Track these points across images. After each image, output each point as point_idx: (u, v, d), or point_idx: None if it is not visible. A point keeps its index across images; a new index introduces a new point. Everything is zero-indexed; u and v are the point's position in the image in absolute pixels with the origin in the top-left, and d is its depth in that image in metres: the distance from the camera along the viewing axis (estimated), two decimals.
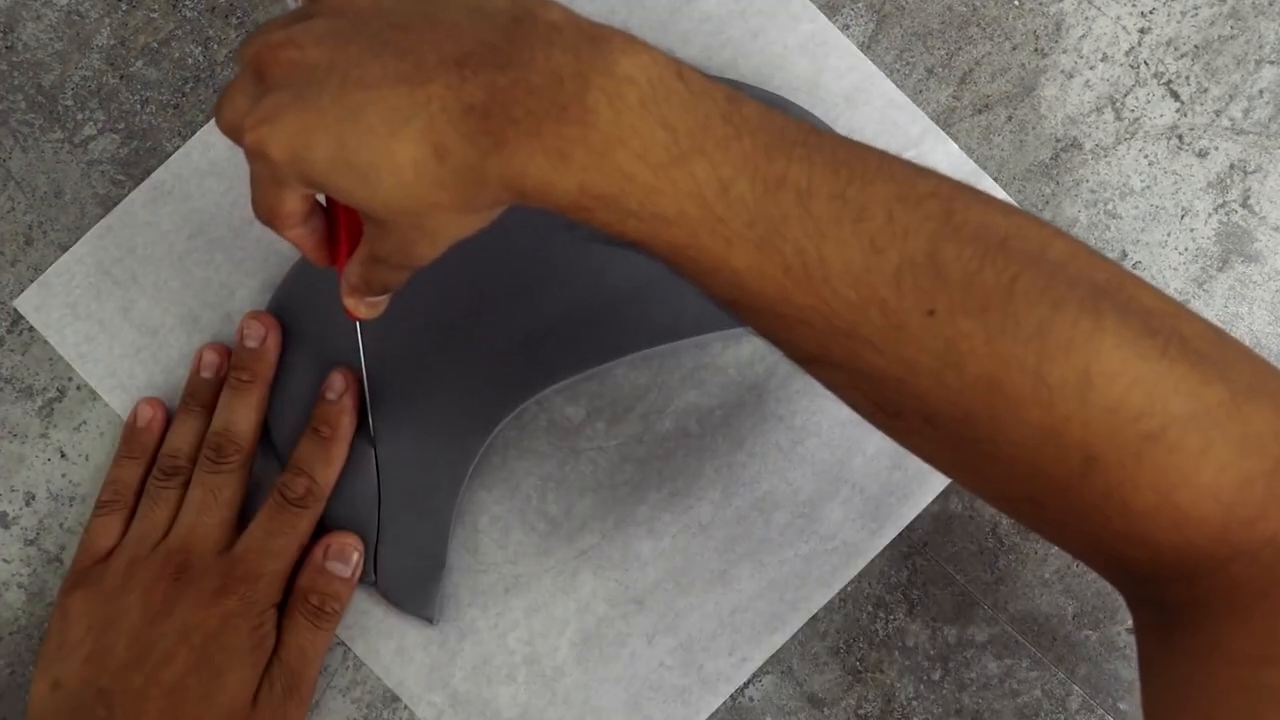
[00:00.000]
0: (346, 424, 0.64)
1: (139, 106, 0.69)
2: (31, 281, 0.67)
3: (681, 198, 0.45)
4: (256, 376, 0.64)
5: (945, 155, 0.68)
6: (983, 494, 0.51)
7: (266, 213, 0.51)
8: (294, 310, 0.66)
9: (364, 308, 0.55)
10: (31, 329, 0.67)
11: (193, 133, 0.68)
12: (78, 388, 0.67)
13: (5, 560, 0.66)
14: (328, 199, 0.54)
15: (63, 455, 0.67)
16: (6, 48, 0.69)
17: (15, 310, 0.67)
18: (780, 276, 0.46)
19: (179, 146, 0.68)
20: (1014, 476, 0.48)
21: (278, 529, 0.63)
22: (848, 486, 0.66)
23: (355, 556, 0.64)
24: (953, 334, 0.46)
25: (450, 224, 0.48)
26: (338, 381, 0.64)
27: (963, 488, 0.54)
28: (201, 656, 0.59)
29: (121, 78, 0.69)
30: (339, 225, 0.54)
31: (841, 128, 0.67)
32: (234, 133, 0.48)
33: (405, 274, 0.52)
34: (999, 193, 0.68)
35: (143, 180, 0.68)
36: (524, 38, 0.45)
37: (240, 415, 0.64)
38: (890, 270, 0.46)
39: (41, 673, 0.62)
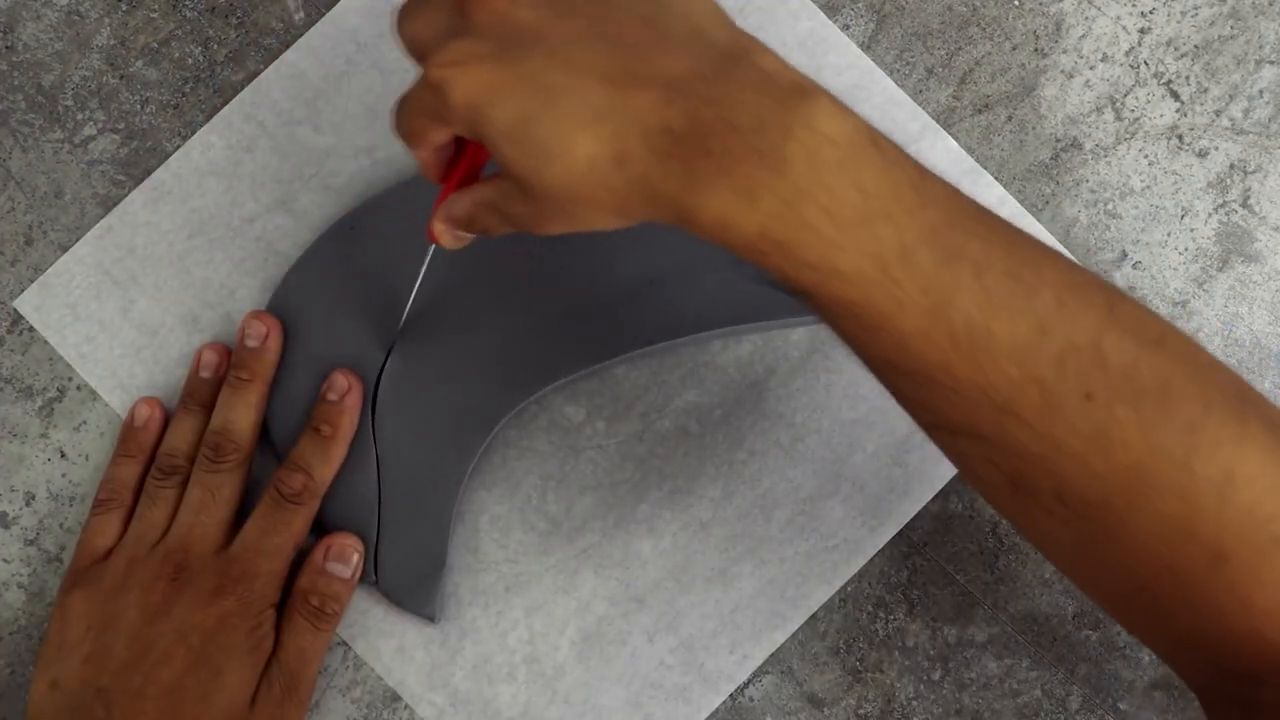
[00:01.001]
0: (347, 424, 0.64)
1: (139, 106, 0.69)
2: (31, 282, 0.67)
3: (862, 256, 0.46)
4: (255, 375, 0.64)
5: (945, 152, 0.68)
6: (1093, 583, 0.53)
7: (409, 134, 0.52)
8: (295, 310, 0.66)
9: (451, 238, 0.55)
10: (31, 329, 0.67)
11: (193, 133, 0.68)
12: (78, 388, 0.67)
13: (5, 560, 0.66)
14: (458, 144, 0.54)
15: (63, 455, 0.67)
16: (6, 48, 0.69)
17: (15, 310, 0.67)
18: (945, 344, 0.47)
19: (179, 146, 0.68)
20: (1136, 566, 0.49)
21: (273, 526, 0.62)
22: (848, 484, 0.66)
23: (355, 557, 0.64)
24: (1107, 419, 0.48)
25: (592, 219, 0.49)
26: (340, 382, 0.64)
27: (1069, 577, 0.55)
28: (199, 657, 0.59)
29: (121, 78, 0.69)
30: (463, 157, 0.54)
31: None
32: (417, 52, 0.50)
33: (510, 230, 0.53)
34: (1000, 191, 0.68)
35: (143, 180, 0.68)
36: (736, 76, 0.46)
37: (239, 414, 0.64)
38: (1054, 351, 0.47)
39: (40, 672, 0.62)
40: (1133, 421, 0.48)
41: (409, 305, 0.64)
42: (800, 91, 0.46)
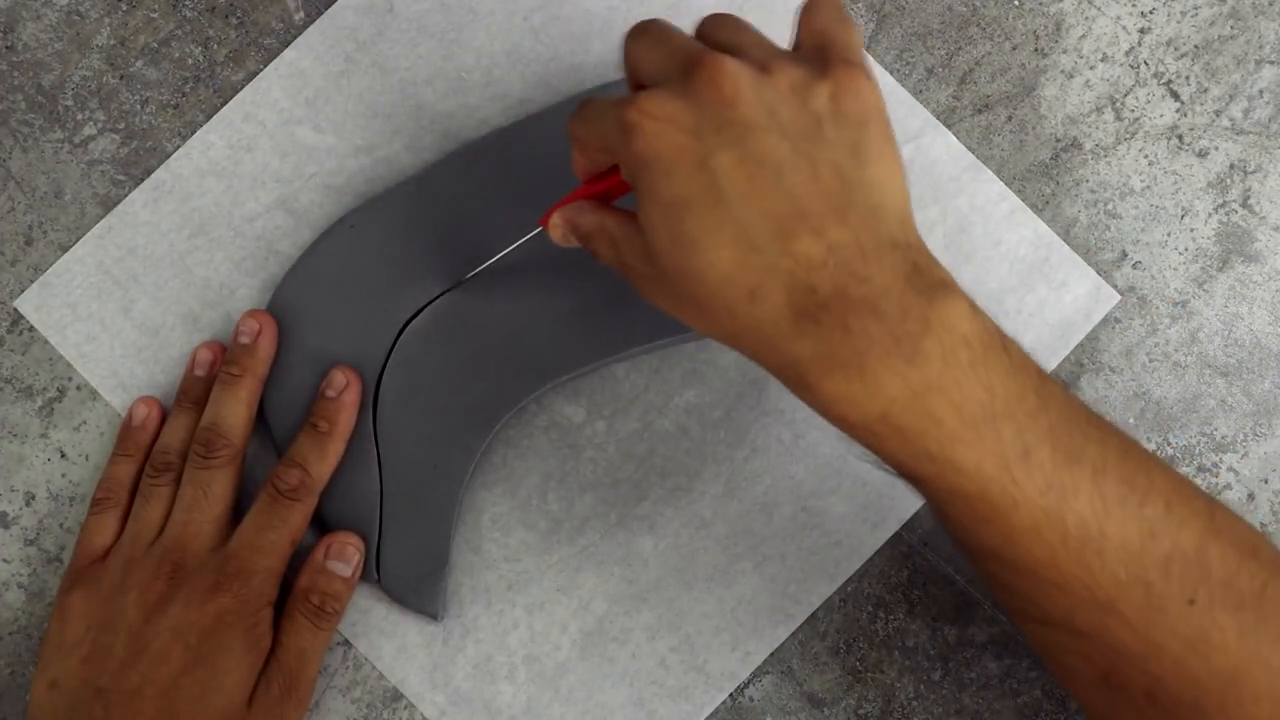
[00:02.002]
0: (344, 421, 0.64)
1: (139, 106, 0.69)
2: (31, 281, 0.67)
3: (984, 453, 0.48)
4: (247, 371, 0.64)
5: (945, 149, 0.68)
6: None
7: (578, 137, 0.53)
8: (295, 309, 0.66)
9: (561, 234, 0.56)
10: (31, 329, 0.67)
11: (193, 133, 0.68)
12: (78, 388, 0.67)
13: (5, 560, 0.66)
14: (616, 169, 0.55)
15: (63, 455, 0.67)
16: (6, 48, 0.69)
17: (15, 310, 0.67)
18: (1056, 542, 0.49)
19: (179, 146, 0.68)
20: None
21: (269, 523, 0.62)
22: (850, 480, 0.66)
23: (356, 556, 0.64)
24: (1207, 624, 0.50)
25: (692, 321, 0.51)
26: (338, 379, 0.64)
27: None
28: (196, 655, 0.59)
29: (121, 78, 0.69)
30: (612, 181, 0.55)
31: None
32: (631, 77, 0.52)
33: (612, 266, 0.54)
34: (1000, 187, 0.68)
35: (143, 180, 0.68)
36: (891, 262, 0.47)
37: (229, 410, 0.64)
38: (1161, 556, 0.50)
39: (40, 672, 0.62)
40: (1232, 627, 0.50)
41: (487, 262, 0.65)
42: (945, 290, 0.48)
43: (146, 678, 0.59)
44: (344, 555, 0.63)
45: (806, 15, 0.51)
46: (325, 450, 0.64)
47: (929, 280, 0.48)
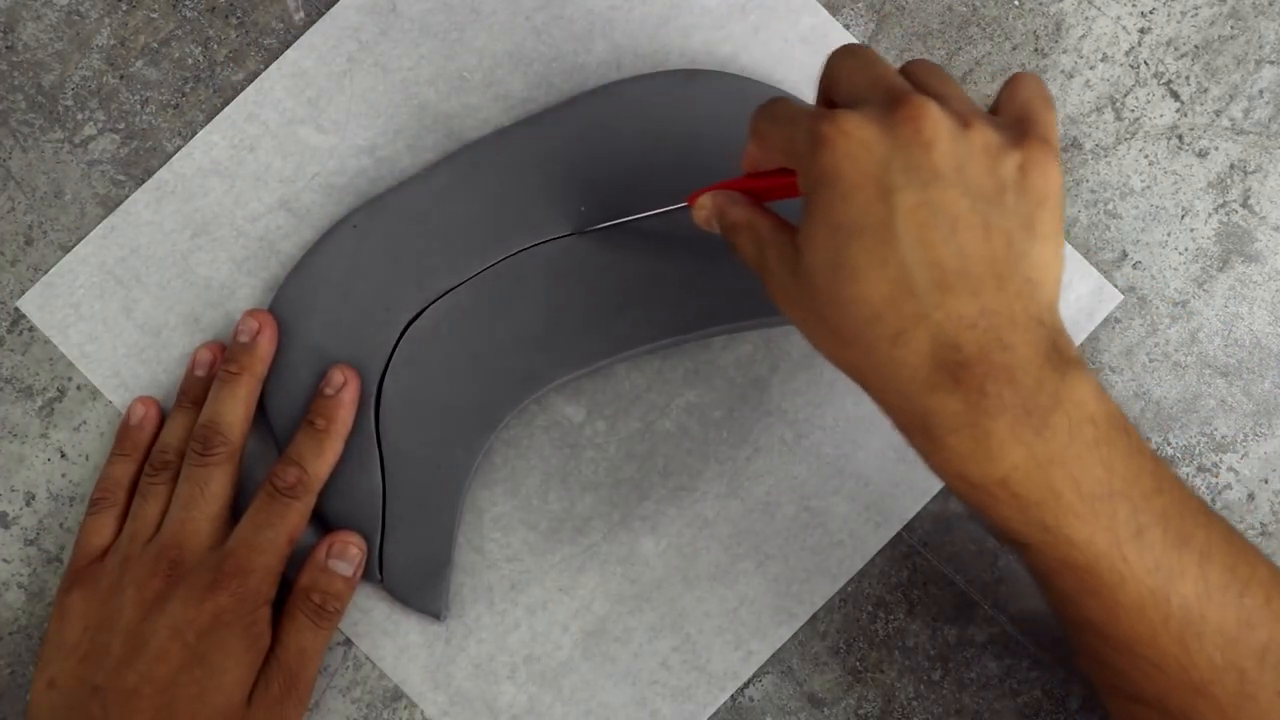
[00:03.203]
0: (342, 418, 0.64)
1: (139, 106, 0.69)
2: (32, 281, 0.67)
3: (1098, 528, 0.49)
4: (245, 369, 0.64)
5: None
6: None
7: (760, 133, 0.54)
8: (298, 309, 0.66)
9: (704, 217, 0.57)
10: (32, 329, 0.67)
11: (193, 133, 0.68)
12: (78, 387, 0.67)
13: (5, 560, 0.66)
14: (784, 172, 0.55)
15: (63, 455, 0.67)
16: (6, 48, 0.69)
17: (15, 310, 0.67)
18: (1158, 622, 0.50)
19: (179, 146, 0.68)
20: None
21: (267, 521, 0.62)
22: (852, 480, 0.66)
23: (358, 555, 0.64)
24: None
25: (822, 344, 0.52)
26: (336, 377, 0.64)
27: None
28: (194, 654, 0.59)
29: (121, 78, 0.69)
30: (775, 183, 0.56)
31: None
32: (828, 90, 0.53)
33: (750, 265, 0.54)
34: None
35: (143, 180, 0.68)
36: (1033, 335, 0.49)
37: (227, 407, 0.64)
38: (1258, 646, 0.51)
39: (39, 672, 0.62)
40: None
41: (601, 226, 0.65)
42: (1077, 369, 0.49)
43: (144, 676, 0.59)
44: (346, 555, 0.63)
45: (1013, 86, 0.52)
46: (323, 448, 0.64)
47: (1065, 358, 0.49)
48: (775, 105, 0.53)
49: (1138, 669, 0.52)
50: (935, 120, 0.48)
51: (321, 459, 0.63)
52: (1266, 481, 0.67)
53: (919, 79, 0.52)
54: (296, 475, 0.63)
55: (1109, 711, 0.56)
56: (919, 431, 0.50)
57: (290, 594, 0.63)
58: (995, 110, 0.52)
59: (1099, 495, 0.49)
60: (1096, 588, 0.50)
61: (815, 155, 0.49)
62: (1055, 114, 0.52)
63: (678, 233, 0.66)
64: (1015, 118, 0.51)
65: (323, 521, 0.65)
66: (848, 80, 0.51)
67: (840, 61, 0.52)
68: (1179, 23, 0.69)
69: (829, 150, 0.48)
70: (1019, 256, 0.49)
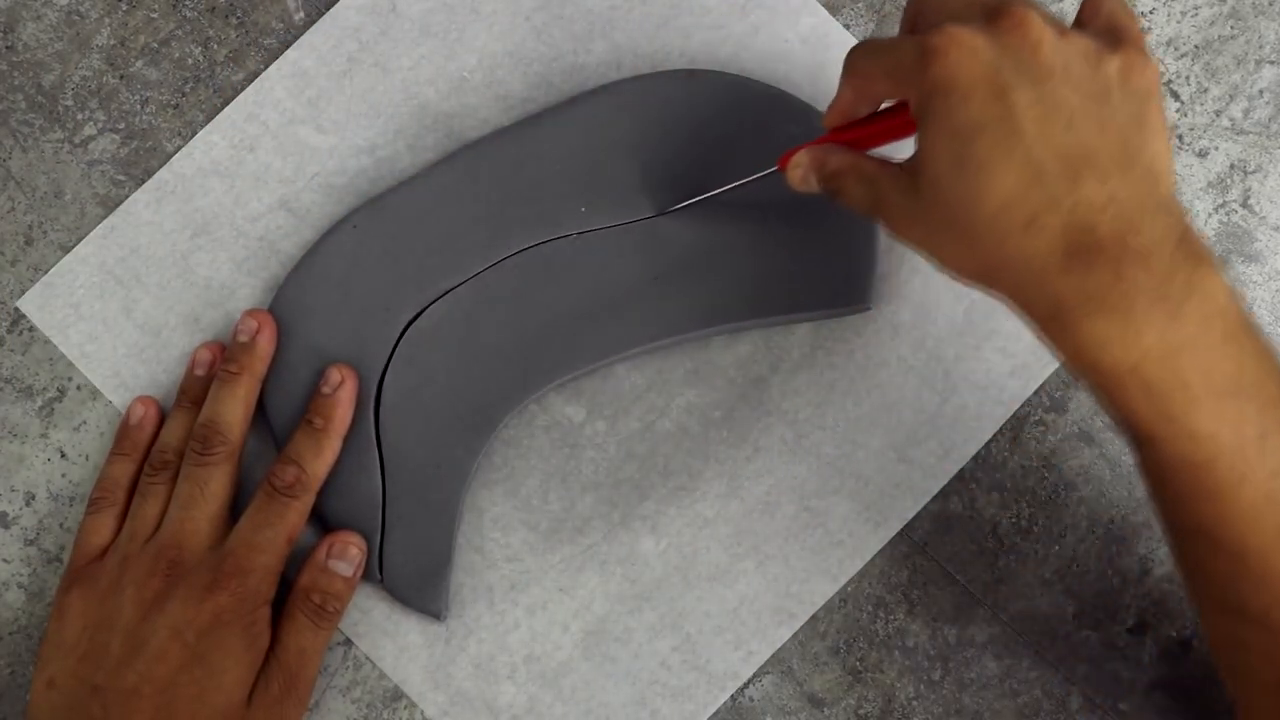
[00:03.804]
0: (340, 417, 0.64)
1: (139, 106, 0.69)
2: (32, 281, 0.67)
3: (1223, 424, 0.49)
4: (244, 369, 0.64)
5: None
6: None
7: (858, 72, 0.55)
8: (298, 309, 0.66)
9: (800, 176, 0.58)
10: (32, 328, 0.67)
11: (193, 133, 0.68)
12: (78, 387, 0.67)
13: (5, 560, 0.66)
14: (891, 112, 0.57)
15: (63, 455, 0.67)
16: (6, 48, 0.69)
17: (15, 310, 0.67)
18: (1271, 529, 0.50)
19: (179, 147, 0.68)
20: None
21: (266, 520, 0.62)
22: (853, 480, 0.66)
23: (358, 556, 0.64)
24: None
25: (951, 256, 0.52)
26: (334, 375, 0.64)
27: None
28: (194, 654, 0.59)
29: (121, 78, 0.69)
30: (865, 126, 0.57)
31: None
32: (930, 12, 0.53)
33: (859, 210, 0.55)
34: None
35: (143, 180, 0.68)
36: (1166, 222, 0.49)
37: (226, 407, 0.64)
38: None
39: (39, 671, 0.62)
40: None
41: (686, 203, 0.66)
42: (1209, 263, 0.49)
43: (144, 676, 0.59)
44: (346, 555, 0.63)
45: (1095, 2, 0.53)
46: (321, 447, 0.64)
47: (1196, 249, 0.49)
48: (869, 42, 0.54)
49: (1247, 580, 0.51)
50: (1039, 25, 0.49)
51: (320, 458, 0.63)
52: None
53: None
54: (295, 474, 0.63)
55: (1207, 631, 0.56)
56: (1052, 320, 0.50)
57: (290, 594, 0.63)
58: (1080, 25, 0.53)
59: (1227, 391, 0.49)
60: (1213, 489, 0.50)
61: (927, 68, 0.49)
62: (1138, 23, 0.53)
63: (678, 233, 0.66)
64: (1104, 28, 0.52)
65: (323, 521, 0.65)
66: (938, 3, 0.52)
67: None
68: (1179, 23, 0.69)
69: (940, 60, 0.49)
70: (1136, 149, 0.49)
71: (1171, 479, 0.51)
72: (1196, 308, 0.48)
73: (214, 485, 0.63)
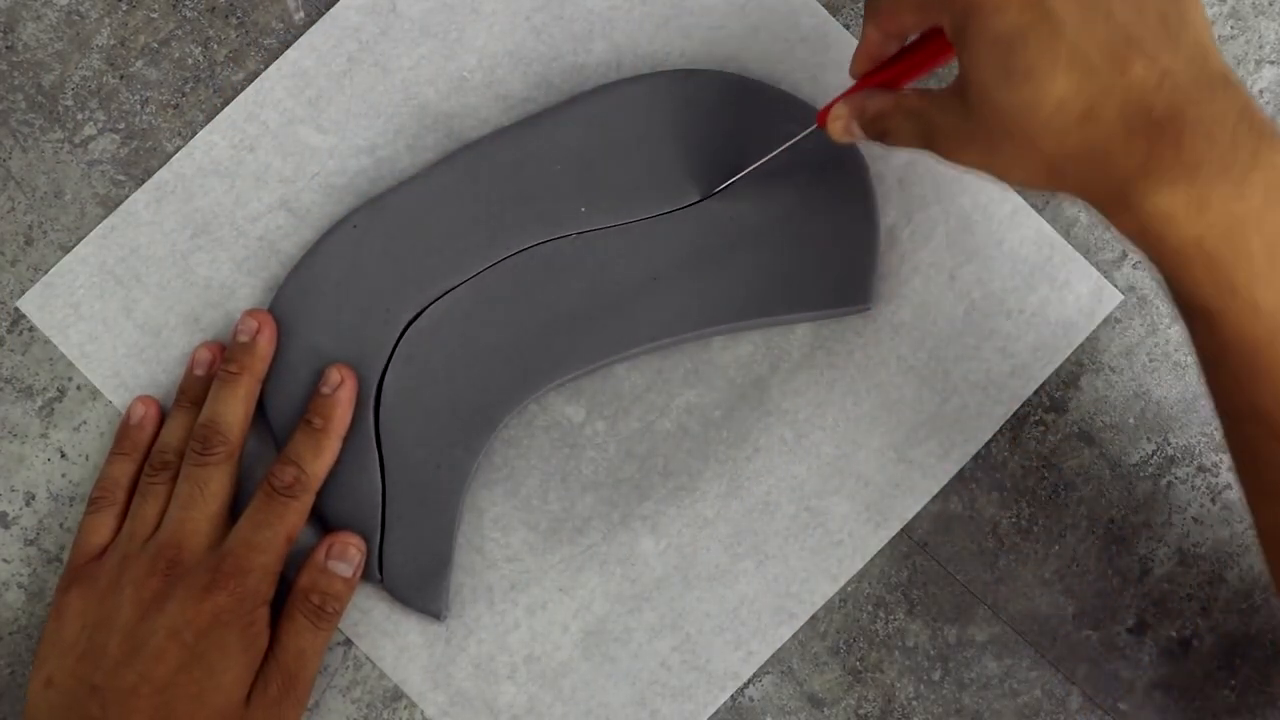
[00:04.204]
0: (339, 417, 0.64)
1: (139, 106, 0.69)
2: (32, 281, 0.67)
3: None
4: (244, 369, 0.64)
5: None
6: None
7: (884, 9, 0.55)
8: (298, 309, 0.66)
9: (843, 128, 0.58)
10: (32, 328, 0.67)
11: (193, 133, 0.68)
12: (78, 387, 0.67)
13: (5, 560, 0.66)
14: (920, 45, 0.57)
15: (63, 455, 0.67)
16: (6, 48, 0.69)
17: (15, 310, 0.67)
18: None
19: (179, 147, 0.68)
20: None
21: (265, 520, 0.62)
22: (853, 480, 0.66)
23: (357, 556, 0.64)
24: None
25: (1015, 163, 0.52)
26: (333, 375, 0.64)
27: None
28: (193, 654, 0.59)
29: (121, 78, 0.69)
30: (896, 64, 0.57)
31: None
32: None
33: (912, 145, 0.56)
34: (1002, 187, 0.68)
35: (143, 180, 0.68)
36: (1224, 94, 0.49)
37: (226, 407, 0.64)
38: None
39: (37, 670, 0.62)
40: None
41: (734, 179, 0.66)
42: (1272, 131, 0.49)
43: (143, 676, 0.59)
44: (345, 555, 0.63)
45: None
46: (320, 447, 0.64)
47: (1258, 120, 0.49)
48: None
49: None
50: None
51: (319, 458, 0.63)
52: None
53: None
54: (294, 475, 0.63)
55: (1257, 521, 0.56)
56: (1118, 202, 0.50)
57: (289, 594, 0.63)
58: None
59: None
60: (1269, 367, 0.50)
61: None
62: None
63: (678, 233, 0.66)
64: None
65: (323, 522, 0.65)
66: None
67: None
68: None
69: None
70: (1177, 25, 0.49)
71: (1230, 358, 0.51)
72: (1261, 179, 0.48)
73: (214, 485, 0.63)
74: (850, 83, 0.59)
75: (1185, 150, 0.48)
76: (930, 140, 0.54)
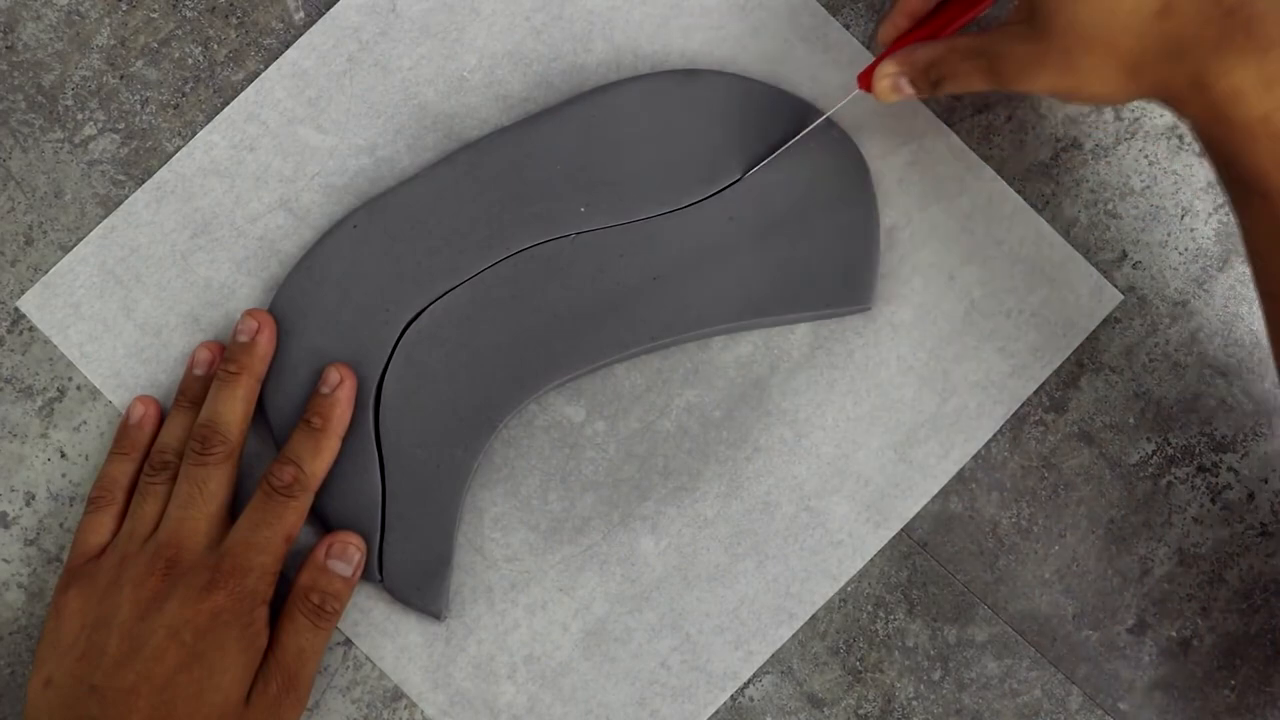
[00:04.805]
0: (338, 417, 0.64)
1: (139, 106, 0.69)
2: (32, 281, 0.67)
3: None
4: (244, 369, 0.64)
5: (947, 147, 0.68)
6: None
7: None
8: (297, 310, 0.66)
9: (890, 85, 0.60)
10: (32, 328, 0.67)
11: (193, 133, 0.68)
12: (78, 387, 0.67)
13: (5, 560, 0.66)
14: (938, 13, 0.61)
15: (63, 455, 0.67)
16: (6, 48, 0.69)
17: (15, 310, 0.67)
18: None
19: (179, 147, 0.68)
20: None
21: (264, 520, 0.62)
22: (852, 480, 0.66)
23: (357, 555, 0.64)
24: None
25: (1094, 74, 0.55)
26: (332, 375, 0.64)
27: None
28: (192, 653, 0.59)
29: (121, 78, 0.69)
30: (945, 13, 0.60)
31: (843, 121, 0.67)
32: None
33: (974, 86, 0.58)
34: (1002, 185, 0.68)
35: (142, 180, 0.68)
36: None
37: (226, 407, 0.64)
38: None
39: (37, 670, 0.62)
40: None
41: (762, 164, 0.66)
42: None
43: (142, 676, 0.59)
44: (345, 555, 0.63)
45: None
46: (320, 446, 0.64)
47: None
48: None
49: None
50: None
51: (318, 458, 0.63)
52: (1266, 481, 0.67)
53: None
54: (293, 474, 0.63)
55: None
56: (1192, 88, 0.53)
57: (289, 593, 0.63)
58: None
59: None
60: None
61: None
62: None
63: (678, 233, 0.66)
64: None
65: (323, 521, 0.65)
66: None
67: None
68: None
69: None
70: None
71: (1262, 230, 0.54)
72: None
73: (213, 485, 0.63)
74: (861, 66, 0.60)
75: (1255, 34, 0.51)
76: (998, 74, 0.57)
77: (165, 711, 0.59)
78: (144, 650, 0.59)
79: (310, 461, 0.63)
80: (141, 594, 0.60)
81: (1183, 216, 0.68)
